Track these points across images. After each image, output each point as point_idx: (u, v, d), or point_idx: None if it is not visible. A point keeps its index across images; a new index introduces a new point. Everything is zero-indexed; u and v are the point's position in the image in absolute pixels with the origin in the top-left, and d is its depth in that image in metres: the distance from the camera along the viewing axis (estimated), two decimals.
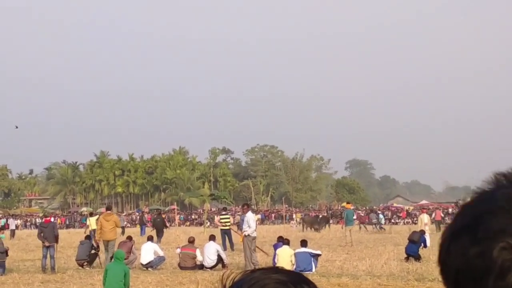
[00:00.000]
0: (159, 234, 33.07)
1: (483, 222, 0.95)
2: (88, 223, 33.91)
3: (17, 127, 63.02)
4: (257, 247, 25.15)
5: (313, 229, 43.83)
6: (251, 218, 19.79)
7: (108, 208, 23.27)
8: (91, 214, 37.87)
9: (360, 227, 44.22)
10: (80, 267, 20.11)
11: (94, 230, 25.43)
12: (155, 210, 69.74)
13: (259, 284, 1.18)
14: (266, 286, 1.17)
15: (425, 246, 22.07)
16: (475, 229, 0.94)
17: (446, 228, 1.02)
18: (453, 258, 0.97)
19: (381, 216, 52.61)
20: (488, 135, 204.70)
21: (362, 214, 57.98)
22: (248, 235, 18.93)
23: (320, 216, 54.99)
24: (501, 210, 0.94)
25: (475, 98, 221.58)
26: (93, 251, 20.95)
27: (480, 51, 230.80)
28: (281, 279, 1.16)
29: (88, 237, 22.02)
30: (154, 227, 34.87)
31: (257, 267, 18.22)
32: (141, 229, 43.56)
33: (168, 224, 41.03)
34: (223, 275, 1.23)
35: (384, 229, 42.98)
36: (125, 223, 49.25)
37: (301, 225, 48.47)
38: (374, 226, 45.37)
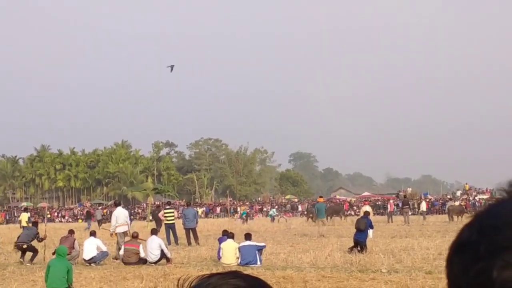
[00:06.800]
0: (158, 225, 33.41)
1: (486, 237, 0.85)
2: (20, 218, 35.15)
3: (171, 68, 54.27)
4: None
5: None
6: (120, 213, 22.38)
7: None
8: (25, 210, 37.62)
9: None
10: (19, 251, 20.02)
11: (23, 227, 28.11)
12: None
13: None
14: None
15: (371, 227, 22.99)
16: (477, 245, 0.85)
17: (455, 238, 0.93)
18: (455, 274, 0.88)
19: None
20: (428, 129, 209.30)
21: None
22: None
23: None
24: (508, 226, 0.84)
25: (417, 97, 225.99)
26: (36, 239, 20.72)
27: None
28: (238, 285, 1.14)
29: (35, 224, 22.11)
30: (153, 219, 35.27)
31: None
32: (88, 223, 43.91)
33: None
34: (179, 279, 1.20)
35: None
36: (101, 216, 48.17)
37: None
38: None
